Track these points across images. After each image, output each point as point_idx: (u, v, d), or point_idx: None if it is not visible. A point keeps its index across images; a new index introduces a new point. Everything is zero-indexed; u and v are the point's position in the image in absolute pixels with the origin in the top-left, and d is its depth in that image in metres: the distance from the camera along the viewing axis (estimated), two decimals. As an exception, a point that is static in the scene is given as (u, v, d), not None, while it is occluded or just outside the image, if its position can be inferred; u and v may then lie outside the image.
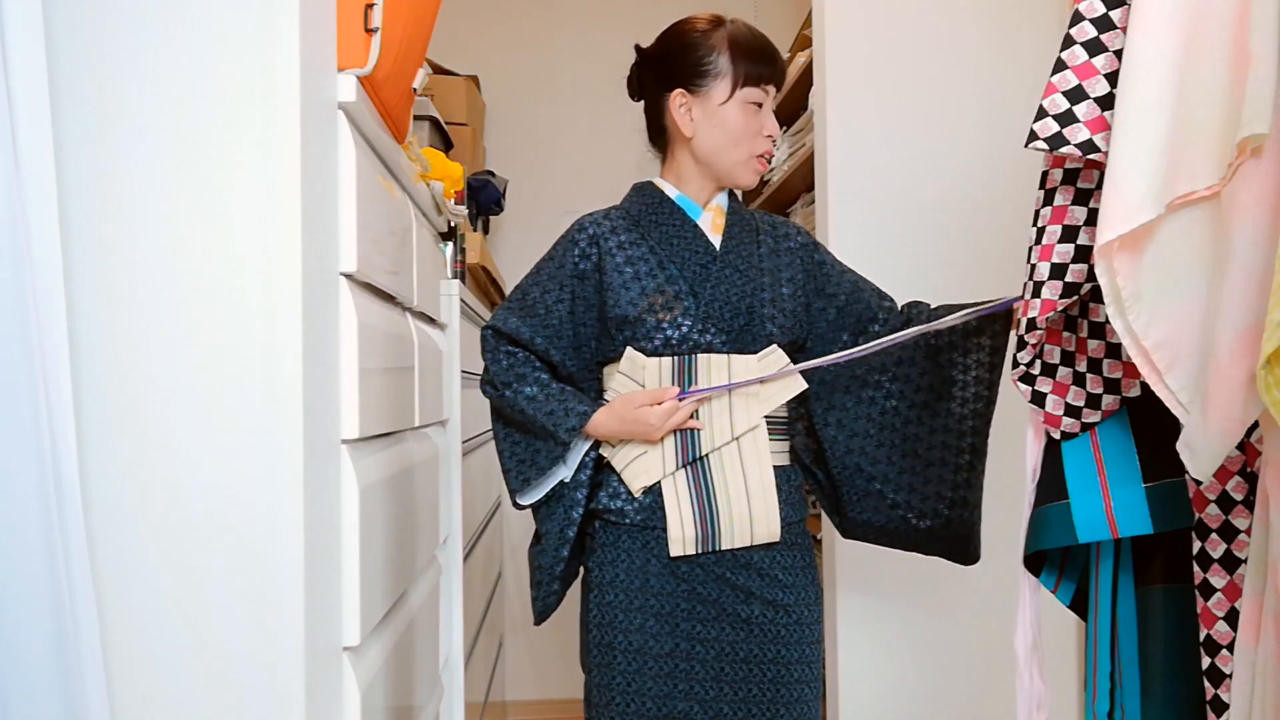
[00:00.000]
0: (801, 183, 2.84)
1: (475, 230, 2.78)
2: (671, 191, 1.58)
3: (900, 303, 1.66)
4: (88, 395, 0.91)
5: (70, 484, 0.84)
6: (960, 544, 1.57)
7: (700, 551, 1.49)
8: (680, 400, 1.47)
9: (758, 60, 1.54)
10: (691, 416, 1.49)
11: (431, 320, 1.73)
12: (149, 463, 0.93)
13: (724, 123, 1.53)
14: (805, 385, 1.56)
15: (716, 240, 1.56)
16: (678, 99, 1.55)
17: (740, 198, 1.64)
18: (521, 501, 1.55)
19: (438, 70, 3.03)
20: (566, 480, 1.52)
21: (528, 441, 1.53)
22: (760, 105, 1.55)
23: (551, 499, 1.54)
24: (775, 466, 1.54)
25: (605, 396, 1.55)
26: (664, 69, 1.57)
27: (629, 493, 1.51)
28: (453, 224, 2.08)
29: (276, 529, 0.94)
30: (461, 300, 1.90)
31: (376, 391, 1.20)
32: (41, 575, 0.81)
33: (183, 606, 0.93)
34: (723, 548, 1.48)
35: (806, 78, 2.61)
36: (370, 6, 1.10)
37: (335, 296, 1.08)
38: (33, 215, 0.82)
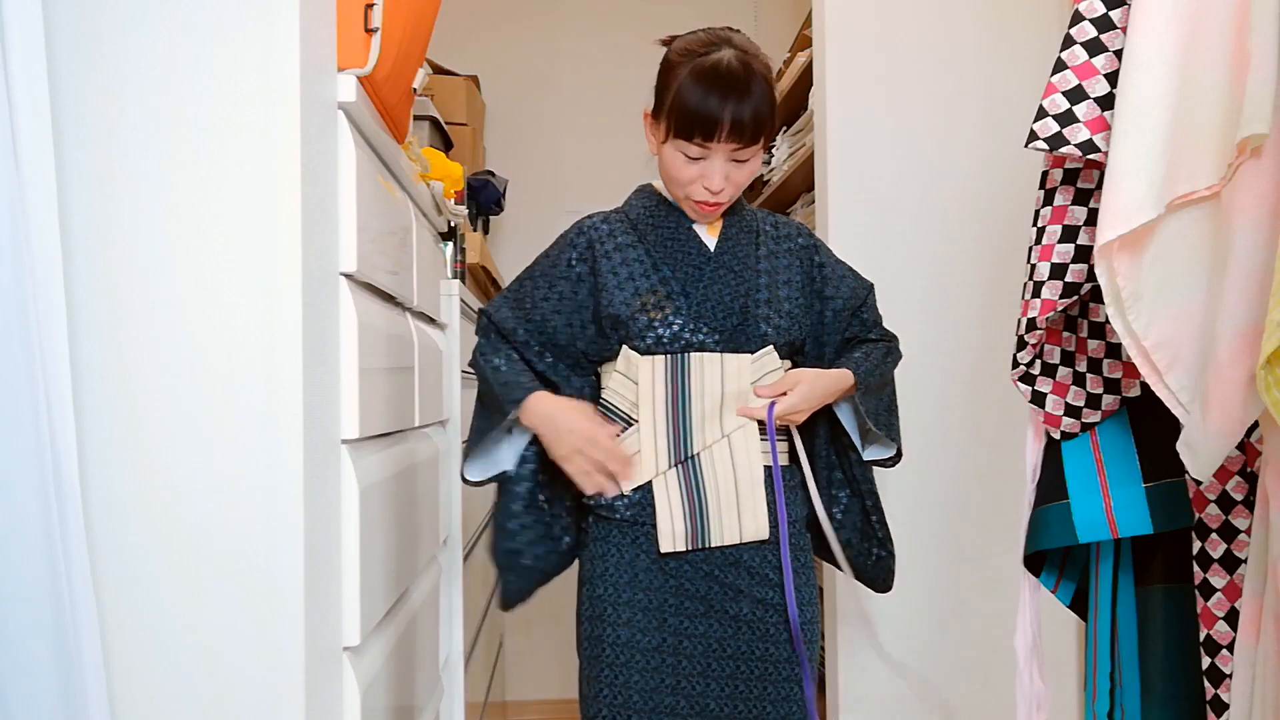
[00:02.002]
0: (801, 183, 2.84)
1: (475, 230, 2.78)
2: (669, 195, 1.58)
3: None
4: (88, 395, 0.91)
5: (70, 484, 0.84)
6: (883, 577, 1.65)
7: (690, 548, 1.49)
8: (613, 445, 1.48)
9: (692, 117, 1.44)
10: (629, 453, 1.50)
11: (431, 320, 1.73)
12: (149, 463, 0.93)
13: (663, 159, 1.52)
14: None
15: (712, 242, 1.56)
16: (647, 117, 1.55)
17: (743, 196, 1.63)
18: (467, 473, 1.56)
19: (438, 70, 3.03)
20: (510, 472, 1.54)
21: (486, 413, 1.54)
22: (697, 159, 1.47)
23: (501, 493, 1.56)
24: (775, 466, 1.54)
25: (603, 396, 1.55)
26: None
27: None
28: (453, 224, 2.08)
29: (276, 529, 0.94)
30: (461, 300, 1.90)
31: (376, 391, 1.20)
32: (41, 575, 0.81)
33: (183, 606, 0.93)
34: (711, 544, 1.48)
35: (806, 78, 2.61)
36: (370, 6, 1.10)
37: (335, 296, 1.08)
38: (33, 215, 0.82)
